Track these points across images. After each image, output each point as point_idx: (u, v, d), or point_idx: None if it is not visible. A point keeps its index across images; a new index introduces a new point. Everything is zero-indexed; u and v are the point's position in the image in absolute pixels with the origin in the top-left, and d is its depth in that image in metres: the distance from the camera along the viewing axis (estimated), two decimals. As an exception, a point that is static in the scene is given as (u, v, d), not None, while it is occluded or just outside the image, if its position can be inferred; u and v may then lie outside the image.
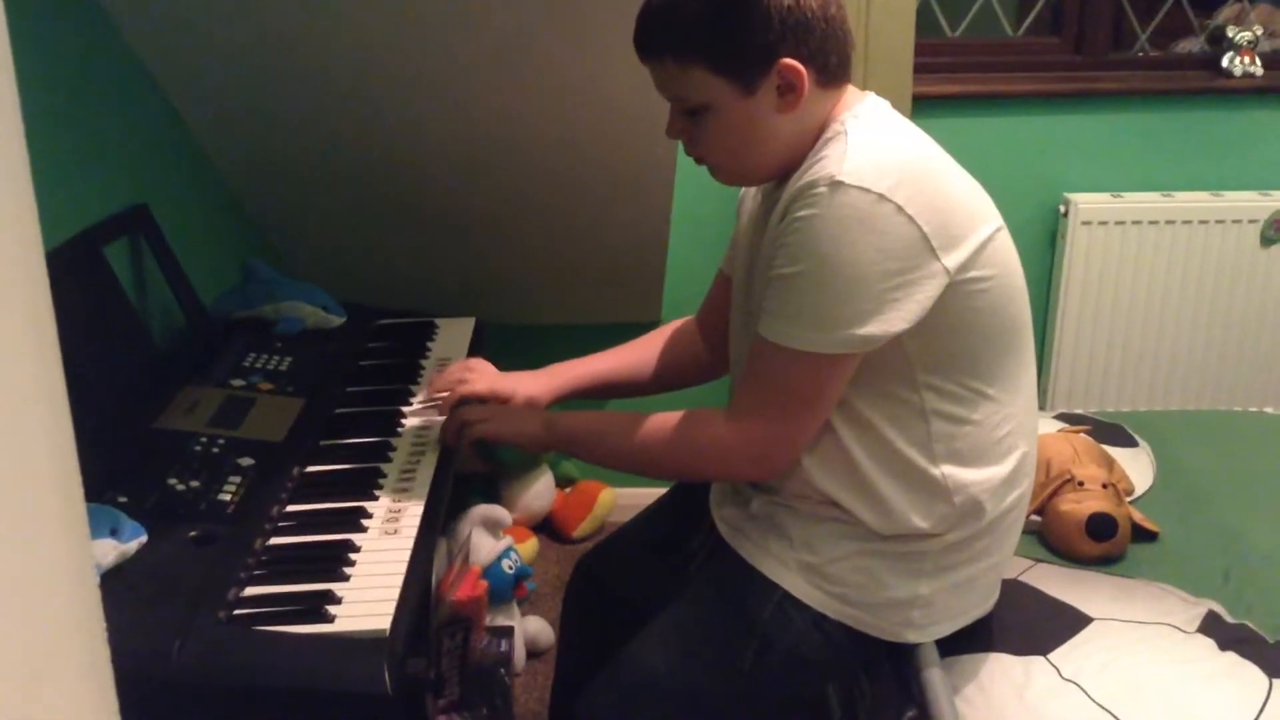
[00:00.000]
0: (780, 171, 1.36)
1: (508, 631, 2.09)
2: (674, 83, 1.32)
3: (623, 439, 1.43)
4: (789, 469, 1.36)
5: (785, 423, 1.31)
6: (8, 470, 0.41)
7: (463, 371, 1.67)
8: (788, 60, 1.26)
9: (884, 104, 1.36)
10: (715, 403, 1.54)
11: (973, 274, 1.26)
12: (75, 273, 1.56)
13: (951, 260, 1.24)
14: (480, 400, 1.61)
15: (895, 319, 1.23)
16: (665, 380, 1.72)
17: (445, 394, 1.65)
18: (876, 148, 1.26)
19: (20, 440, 0.41)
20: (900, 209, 1.20)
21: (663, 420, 1.41)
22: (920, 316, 1.24)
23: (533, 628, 2.38)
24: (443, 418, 1.63)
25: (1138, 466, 2.00)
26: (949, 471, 1.34)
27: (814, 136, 1.32)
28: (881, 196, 1.20)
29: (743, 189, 1.56)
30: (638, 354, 1.71)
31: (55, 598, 0.44)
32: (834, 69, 1.31)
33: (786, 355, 1.27)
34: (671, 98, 1.34)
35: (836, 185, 1.20)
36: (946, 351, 1.29)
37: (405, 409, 1.70)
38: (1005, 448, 1.37)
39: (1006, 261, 1.33)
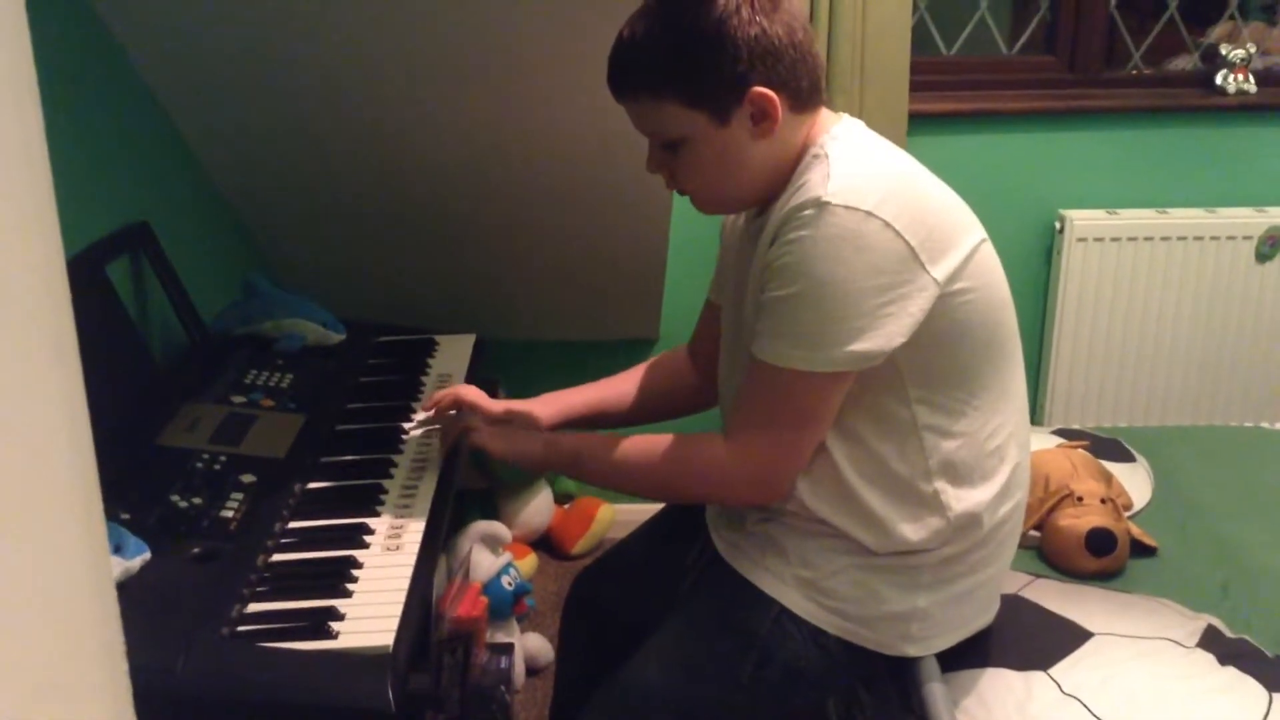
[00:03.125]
0: (761, 197, 1.37)
1: (507, 648, 2.08)
2: (649, 119, 1.33)
3: (622, 462, 1.43)
4: (788, 491, 1.36)
5: (783, 444, 1.32)
6: (31, 485, 0.41)
7: (459, 389, 1.68)
8: (759, 89, 1.27)
9: (859, 124, 1.37)
10: (707, 431, 1.54)
11: (959, 285, 1.28)
12: (77, 290, 1.55)
13: (940, 271, 1.25)
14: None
15: (892, 334, 1.24)
16: (657, 410, 1.72)
17: (444, 408, 1.66)
18: (858, 166, 1.28)
19: (43, 455, 0.42)
20: (887, 224, 1.22)
21: (662, 443, 1.41)
22: (914, 330, 1.25)
23: (532, 644, 2.38)
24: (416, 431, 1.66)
25: (1136, 482, 2.01)
26: (942, 487, 1.34)
27: (793, 160, 1.33)
28: (868, 214, 1.21)
29: (725, 219, 1.57)
30: (630, 383, 1.71)
31: (75, 611, 0.45)
32: (806, 93, 1.32)
33: (783, 376, 1.27)
34: (648, 133, 1.36)
35: (823, 206, 1.22)
36: (936, 364, 1.30)
37: (406, 425, 1.70)
38: (997, 459, 1.38)
39: (991, 272, 1.34)
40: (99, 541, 0.47)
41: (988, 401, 1.36)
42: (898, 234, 1.22)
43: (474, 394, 1.67)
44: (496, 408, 1.65)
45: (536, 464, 1.53)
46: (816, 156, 1.30)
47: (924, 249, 1.24)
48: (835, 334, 1.23)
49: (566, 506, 2.83)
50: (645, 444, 1.42)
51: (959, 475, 1.35)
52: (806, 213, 1.23)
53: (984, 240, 1.34)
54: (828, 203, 1.22)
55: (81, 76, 1.71)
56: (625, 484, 1.49)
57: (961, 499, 1.35)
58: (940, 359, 1.30)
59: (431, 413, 1.70)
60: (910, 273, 1.23)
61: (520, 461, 1.51)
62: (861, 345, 1.23)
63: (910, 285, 1.24)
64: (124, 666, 0.49)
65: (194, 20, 1.78)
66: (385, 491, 1.51)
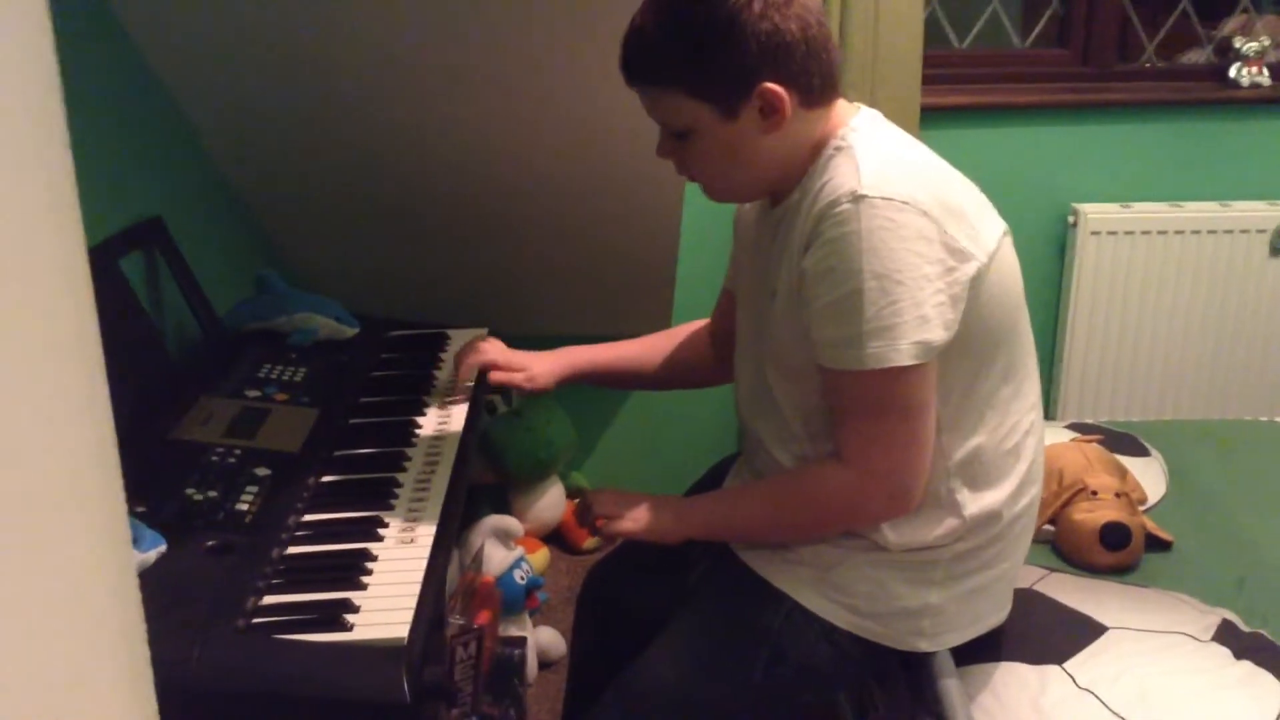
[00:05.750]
0: (773, 188, 1.37)
1: (520, 642, 2.09)
2: (658, 108, 1.33)
3: (755, 518, 1.43)
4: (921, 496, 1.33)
5: (901, 446, 1.29)
6: (54, 477, 0.42)
7: (476, 343, 1.73)
8: (768, 84, 1.26)
9: (877, 114, 1.36)
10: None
11: (989, 276, 1.27)
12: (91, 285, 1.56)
13: (981, 253, 1.25)
14: (508, 376, 1.70)
15: (950, 321, 1.24)
16: (671, 379, 1.74)
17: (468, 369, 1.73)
18: (887, 158, 1.27)
19: (66, 448, 0.42)
20: (925, 213, 1.21)
21: (786, 488, 1.40)
22: (962, 312, 1.25)
23: (544, 638, 2.38)
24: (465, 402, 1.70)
25: (1150, 476, 2.00)
26: (957, 487, 1.34)
27: (808, 153, 1.32)
28: (906, 203, 1.21)
29: (737, 208, 1.56)
30: (648, 349, 1.73)
31: (97, 602, 0.45)
32: (818, 89, 1.30)
33: (867, 378, 1.25)
34: (658, 121, 1.35)
35: (860, 199, 1.21)
36: (959, 362, 1.30)
37: (419, 418, 1.71)
38: (1014, 458, 1.37)
39: (1012, 267, 1.34)
40: (121, 533, 0.47)
41: (1004, 399, 1.35)
42: (935, 221, 1.22)
43: (495, 348, 1.72)
44: (515, 359, 1.70)
45: (669, 538, 1.46)
46: (839, 148, 1.29)
47: (960, 235, 1.24)
48: (898, 325, 1.22)
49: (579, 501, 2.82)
50: (769, 496, 1.42)
51: (976, 478, 1.34)
52: (844, 207, 1.22)
53: (1007, 232, 1.33)
54: (865, 195, 1.21)
55: (95, 72, 1.72)
56: (762, 538, 1.44)
57: (978, 500, 1.35)
58: (963, 356, 1.29)
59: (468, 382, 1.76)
60: (953, 258, 1.23)
61: (657, 539, 1.47)
62: (927, 335, 1.22)
63: (957, 273, 1.23)
64: (146, 655, 0.49)
65: (208, 16, 1.78)
66: (399, 485, 1.51)
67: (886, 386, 1.25)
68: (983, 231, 1.28)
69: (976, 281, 1.25)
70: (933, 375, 1.27)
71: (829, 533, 1.39)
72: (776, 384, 1.40)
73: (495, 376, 1.70)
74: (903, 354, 1.22)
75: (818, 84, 1.30)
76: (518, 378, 1.69)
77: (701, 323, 1.75)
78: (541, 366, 1.69)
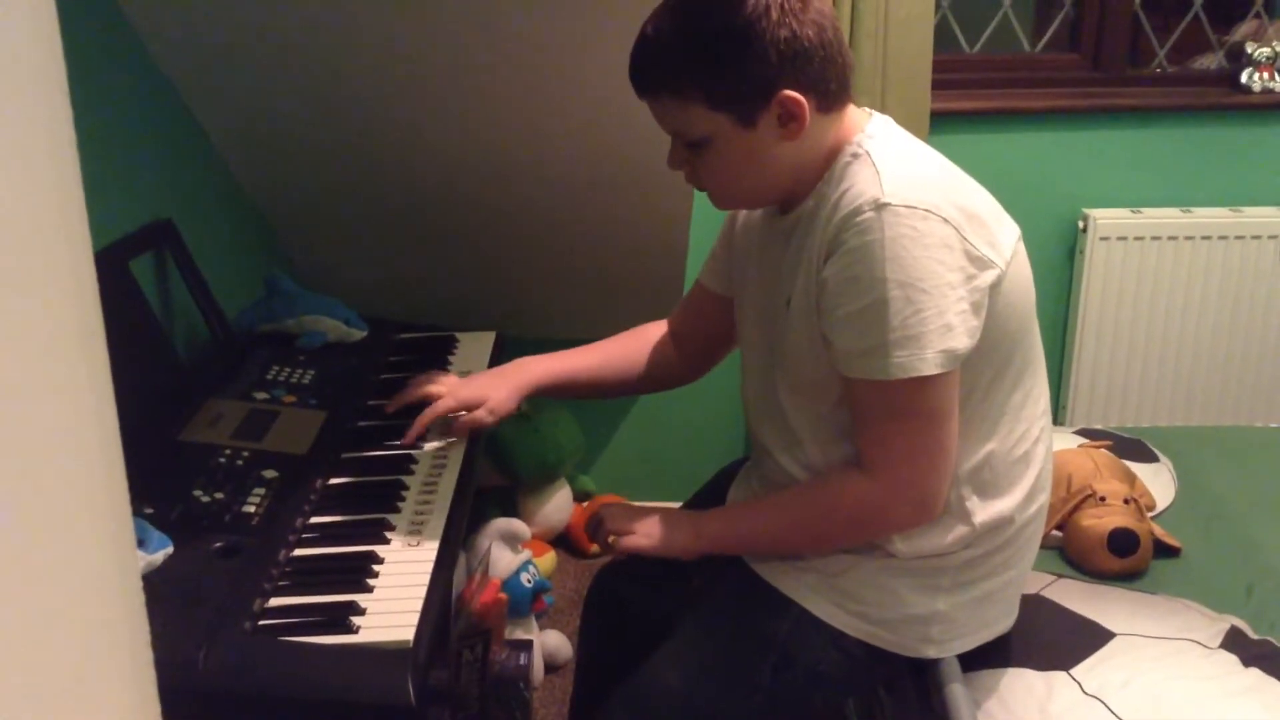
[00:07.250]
0: (784, 196, 1.36)
1: (526, 645, 2.09)
2: (671, 118, 1.30)
3: (774, 532, 1.42)
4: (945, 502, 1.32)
5: (925, 455, 1.28)
6: (59, 479, 0.42)
7: (426, 386, 1.65)
8: (788, 92, 1.25)
9: (889, 120, 1.36)
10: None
11: (1005, 283, 1.27)
12: (101, 286, 1.57)
13: (999, 260, 1.25)
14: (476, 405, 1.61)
15: (974, 329, 1.23)
16: (634, 384, 1.70)
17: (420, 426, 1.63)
18: (907, 165, 1.26)
19: (71, 449, 0.42)
20: (947, 220, 1.21)
21: (805, 500, 1.39)
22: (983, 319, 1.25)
23: (551, 642, 2.38)
24: (431, 445, 1.63)
25: (1159, 482, 2.00)
26: (967, 494, 1.33)
27: (822, 159, 1.31)
28: (928, 211, 1.20)
29: (734, 212, 1.55)
30: (607, 354, 1.69)
31: (101, 604, 0.45)
32: (834, 94, 1.29)
33: (892, 388, 1.24)
34: (671, 131, 1.33)
35: (883, 207, 1.20)
36: (973, 368, 1.29)
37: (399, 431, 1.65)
38: (1023, 466, 1.37)
39: (1025, 272, 1.33)
40: (126, 535, 0.47)
41: (1015, 406, 1.35)
42: (956, 229, 1.21)
43: (450, 394, 1.63)
44: (469, 394, 1.62)
45: (685, 554, 1.45)
46: (856, 155, 1.28)
47: (979, 242, 1.23)
48: (923, 334, 1.21)
49: (586, 504, 2.83)
50: (789, 508, 1.41)
51: (986, 485, 1.34)
52: (866, 215, 1.21)
53: (1020, 238, 1.33)
54: (887, 203, 1.20)
55: (106, 74, 1.73)
56: (782, 550, 1.43)
57: (987, 508, 1.34)
58: (979, 363, 1.29)
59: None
60: (973, 265, 1.23)
61: (676, 555, 1.45)
62: (951, 344, 1.22)
63: (977, 280, 1.23)
64: (149, 658, 0.49)
65: (218, 18, 1.79)
66: (406, 488, 1.51)
67: (911, 396, 1.25)
68: (1000, 238, 1.28)
69: (994, 288, 1.25)
70: (955, 383, 1.27)
71: (851, 543, 1.37)
72: (784, 392, 1.39)
73: (460, 427, 1.62)
74: (928, 363, 1.22)
75: (834, 89, 1.29)
76: (480, 414, 1.60)
77: (660, 323, 1.71)
78: (499, 393, 1.61)
